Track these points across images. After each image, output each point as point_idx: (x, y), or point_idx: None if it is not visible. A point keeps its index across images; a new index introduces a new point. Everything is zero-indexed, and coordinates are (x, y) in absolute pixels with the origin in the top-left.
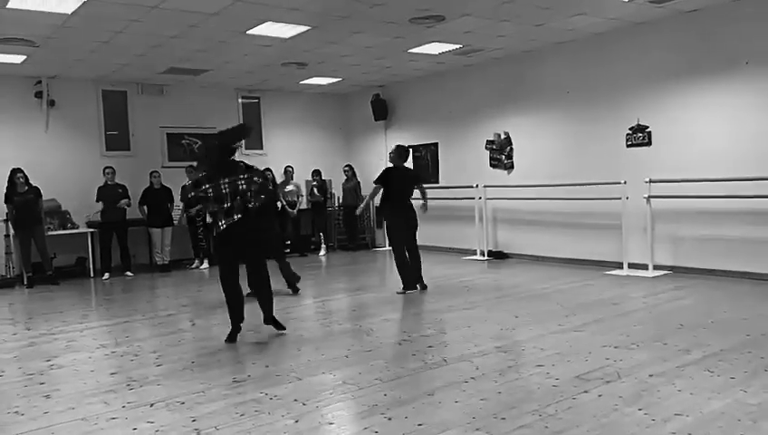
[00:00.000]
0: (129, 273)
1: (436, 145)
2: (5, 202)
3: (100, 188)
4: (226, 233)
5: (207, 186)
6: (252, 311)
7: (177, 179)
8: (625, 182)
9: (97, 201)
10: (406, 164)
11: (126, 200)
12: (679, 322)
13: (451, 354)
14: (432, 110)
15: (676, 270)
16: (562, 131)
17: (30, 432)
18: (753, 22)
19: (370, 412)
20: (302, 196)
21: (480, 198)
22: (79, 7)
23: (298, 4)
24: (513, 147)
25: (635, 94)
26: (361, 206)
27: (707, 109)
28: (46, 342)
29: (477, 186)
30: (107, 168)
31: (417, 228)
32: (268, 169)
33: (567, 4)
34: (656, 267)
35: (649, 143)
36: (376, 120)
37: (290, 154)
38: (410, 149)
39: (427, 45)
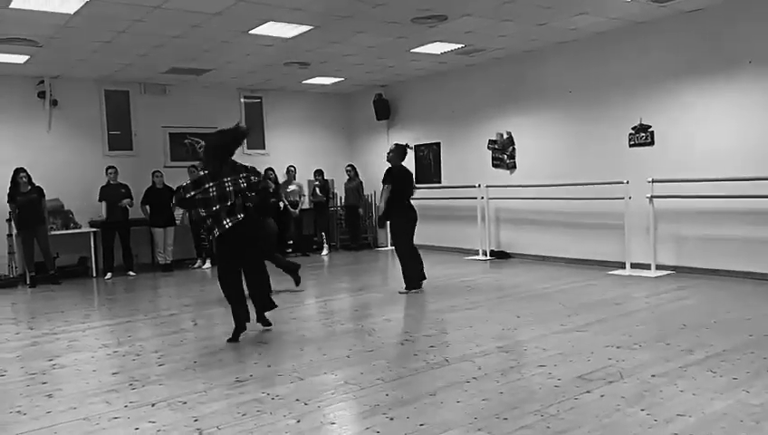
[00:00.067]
0: (131, 272)
1: (438, 145)
2: (9, 202)
3: (102, 187)
4: (231, 231)
5: (211, 184)
6: (249, 310)
7: (179, 179)
8: (628, 182)
9: (100, 201)
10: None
11: (127, 200)
12: (682, 322)
13: (453, 354)
14: (434, 109)
15: (678, 270)
16: (565, 131)
17: (32, 432)
18: (756, 21)
19: (372, 412)
20: (305, 196)
21: (482, 197)
22: (81, 7)
23: (300, 4)
24: (516, 147)
25: (637, 94)
26: (381, 206)
27: (710, 108)
28: (48, 341)
29: (479, 186)
30: (109, 167)
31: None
32: (270, 169)
33: (568, 3)
34: (658, 267)
35: (652, 143)
36: (378, 119)
37: (292, 154)
38: (413, 148)
39: (429, 45)
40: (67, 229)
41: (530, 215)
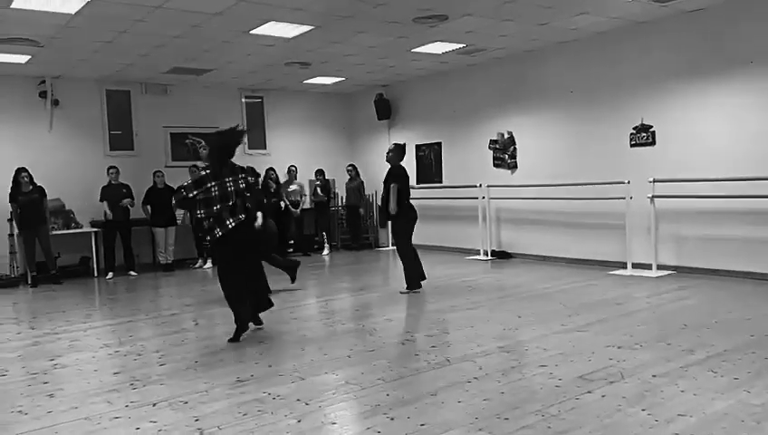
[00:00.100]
0: (132, 272)
1: (439, 145)
2: (10, 202)
3: (104, 187)
4: (234, 232)
5: (213, 183)
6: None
7: (180, 179)
8: (629, 182)
9: (101, 201)
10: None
11: (128, 200)
12: (683, 322)
13: (454, 354)
14: (435, 109)
15: (679, 270)
16: (566, 131)
17: (33, 431)
18: (757, 21)
19: (373, 412)
20: (306, 195)
21: (483, 197)
22: (83, 7)
23: (301, 4)
24: (517, 146)
25: (638, 94)
26: (393, 206)
27: (712, 108)
28: (50, 341)
29: (481, 185)
30: (111, 167)
31: None
32: (271, 169)
33: (569, 3)
34: (659, 267)
35: (653, 143)
36: (379, 119)
37: (293, 154)
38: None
39: (430, 45)
40: (68, 229)
41: (531, 215)
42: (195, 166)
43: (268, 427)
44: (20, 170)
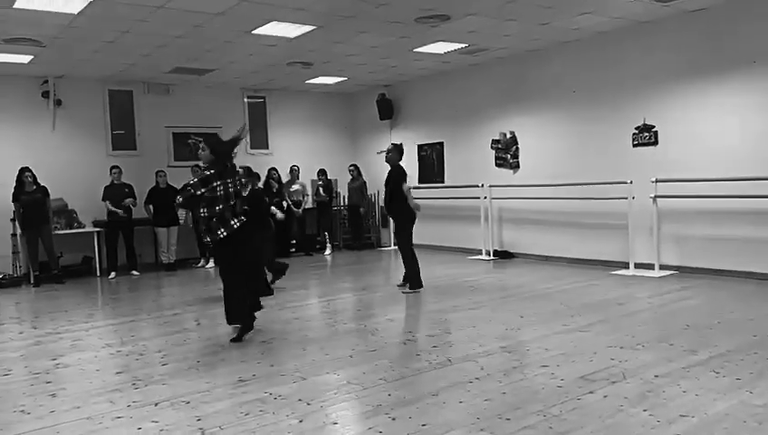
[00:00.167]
0: (134, 272)
1: (441, 144)
2: (13, 201)
3: (106, 187)
4: (238, 232)
5: (218, 183)
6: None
7: (182, 179)
8: (631, 182)
9: (103, 200)
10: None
11: (130, 199)
12: (685, 322)
13: (456, 354)
14: (437, 109)
15: (682, 270)
16: (568, 131)
17: (35, 431)
18: (760, 21)
19: (375, 412)
20: (308, 195)
21: (485, 197)
22: (85, 7)
23: (303, 4)
24: (519, 146)
25: (641, 94)
26: (416, 202)
27: (714, 108)
28: (52, 341)
29: (483, 185)
30: (113, 167)
31: None
32: (274, 169)
33: (571, 3)
34: (662, 267)
35: (656, 143)
36: (381, 119)
37: (295, 153)
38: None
39: (432, 45)
40: (71, 229)
41: (533, 215)
42: (197, 166)
43: (270, 427)
44: (23, 170)
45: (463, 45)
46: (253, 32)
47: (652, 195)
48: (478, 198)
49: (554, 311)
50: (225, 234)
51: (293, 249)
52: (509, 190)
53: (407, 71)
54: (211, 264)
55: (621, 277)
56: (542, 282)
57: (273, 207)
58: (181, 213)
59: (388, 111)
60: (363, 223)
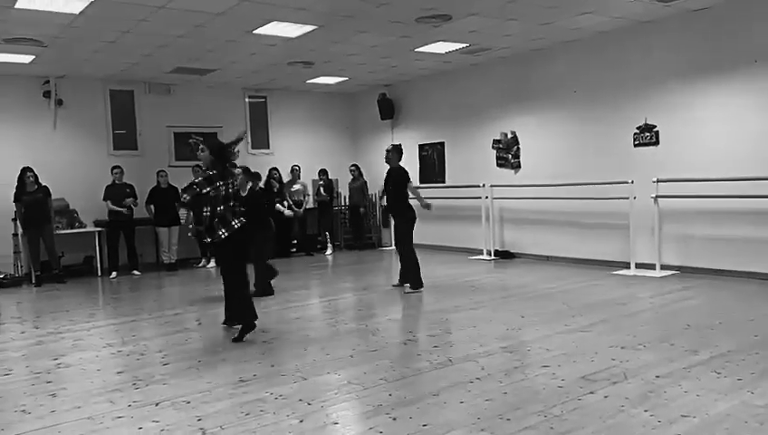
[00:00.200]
0: (136, 272)
1: (442, 144)
2: (15, 201)
3: (108, 187)
4: (239, 232)
5: (221, 183)
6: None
7: (183, 179)
8: (632, 182)
9: (104, 200)
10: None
11: (131, 199)
12: (686, 322)
13: (456, 354)
14: (438, 109)
15: (683, 270)
16: (569, 131)
17: (36, 431)
18: (761, 21)
19: (375, 412)
20: (309, 195)
21: (487, 197)
22: (86, 7)
23: (304, 4)
24: (520, 146)
25: (642, 93)
26: (428, 201)
27: (716, 108)
28: (53, 340)
29: (484, 185)
30: (115, 167)
31: None
32: (275, 169)
33: (573, 2)
34: (663, 267)
35: (657, 143)
36: (382, 119)
37: (296, 153)
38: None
39: (433, 44)
40: (72, 229)
41: (534, 215)
42: (198, 166)
43: (270, 427)
44: (25, 170)
45: (464, 45)
46: (254, 32)
47: (653, 195)
48: (479, 197)
49: (555, 311)
50: (226, 234)
51: (294, 249)
52: (510, 190)
53: (408, 70)
54: (212, 263)
55: (622, 277)
56: (543, 282)
57: (279, 205)
58: (182, 213)
59: (389, 110)
60: (364, 223)
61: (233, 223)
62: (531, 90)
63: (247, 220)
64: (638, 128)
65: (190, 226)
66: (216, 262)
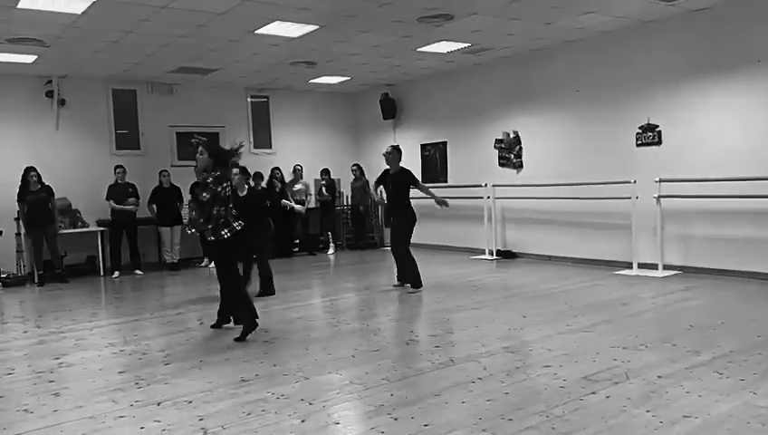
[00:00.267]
0: (138, 271)
1: (444, 144)
2: (18, 201)
3: (110, 186)
4: (239, 233)
5: (226, 185)
6: (256, 309)
7: (186, 178)
8: (635, 182)
9: (107, 199)
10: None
11: (133, 199)
12: (689, 322)
13: (458, 354)
14: (441, 108)
15: (686, 270)
16: (572, 130)
17: (38, 430)
18: (764, 20)
19: (377, 412)
20: (311, 195)
21: (489, 197)
22: (89, 7)
23: (306, 4)
24: (522, 146)
25: (644, 93)
26: (441, 197)
27: (718, 108)
28: (56, 340)
29: (486, 185)
30: (117, 167)
31: None
32: (277, 168)
33: (575, 2)
34: (665, 267)
35: (659, 142)
36: (385, 118)
37: (299, 153)
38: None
39: (435, 44)
40: (75, 228)
41: (536, 214)
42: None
43: (272, 427)
44: (29, 169)
45: (466, 45)
46: (256, 31)
47: (656, 195)
48: (481, 197)
49: (557, 311)
50: (228, 235)
51: (297, 249)
52: (512, 190)
53: (410, 70)
54: (213, 264)
55: (625, 277)
56: (545, 282)
57: (288, 202)
58: (185, 212)
59: (391, 110)
60: (366, 223)
61: (234, 224)
62: (533, 89)
63: (247, 220)
64: (640, 128)
65: (189, 222)
66: (213, 261)
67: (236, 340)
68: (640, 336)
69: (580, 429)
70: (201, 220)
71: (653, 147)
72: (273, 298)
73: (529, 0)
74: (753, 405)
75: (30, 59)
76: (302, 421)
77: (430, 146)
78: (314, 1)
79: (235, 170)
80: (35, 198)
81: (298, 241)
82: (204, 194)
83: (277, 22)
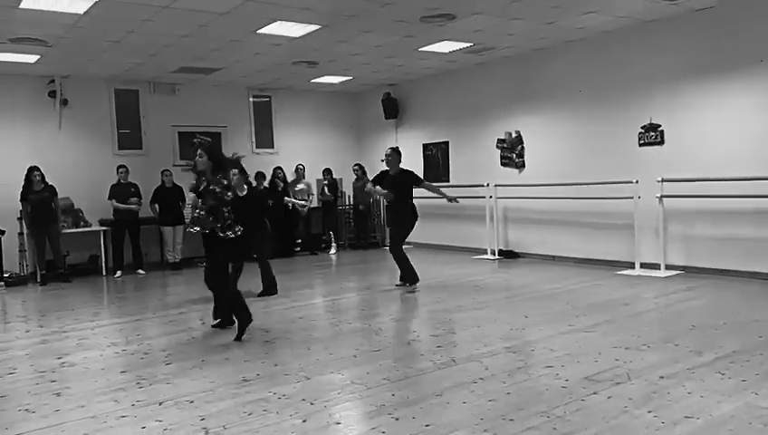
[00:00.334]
0: (140, 271)
1: (446, 144)
2: (21, 200)
3: (113, 186)
4: (243, 235)
5: (230, 193)
6: (257, 309)
7: (188, 178)
8: (637, 181)
9: (110, 199)
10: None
11: (135, 199)
12: (691, 323)
13: (460, 354)
14: (443, 108)
15: (688, 270)
16: (574, 130)
17: (40, 430)
18: (767, 20)
19: (378, 412)
20: (313, 194)
21: (491, 196)
22: (91, 7)
23: (308, 4)
24: (524, 146)
25: (647, 93)
26: (451, 195)
27: (721, 107)
28: (58, 339)
29: (488, 185)
30: (120, 166)
31: None
32: (279, 168)
33: (576, 2)
34: (668, 267)
35: (662, 142)
36: (387, 118)
37: (301, 153)
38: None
39: (437, 44)
40: (77, 228)
41: (538, 214)
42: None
43: (273, 426)
44: (32, 169)
45: (468, 44)
46: (258, 31)
47: (658, 195)
48: (483, 197)
49: (559, 311)
50: (233, 236)
51: (299, 248)
52: (514, 190)
53: (412, 70)
54: None
55: (627, 277)
56: (548, 282)
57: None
58: (187, 212)
59: (393, 110)
60: (368, 222)
61: (237, 228)
62: (535, 89)
63: (246, 220)
64: (642, 127)
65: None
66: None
67: (235, 339)
68: (642, 336)
69: (582, 429)
70: (211, 218)
71: (656, 146)
72: (275, 298)
73: (530, 0)
74: (756, 406)
75: (32, 59)
76: (304, 421)
77: (432, 146)
78: (316, 1)
79: (234, 171)
80: (39, 197)
81: (300, 241)
82: (228, 193)
83: (279, 22)
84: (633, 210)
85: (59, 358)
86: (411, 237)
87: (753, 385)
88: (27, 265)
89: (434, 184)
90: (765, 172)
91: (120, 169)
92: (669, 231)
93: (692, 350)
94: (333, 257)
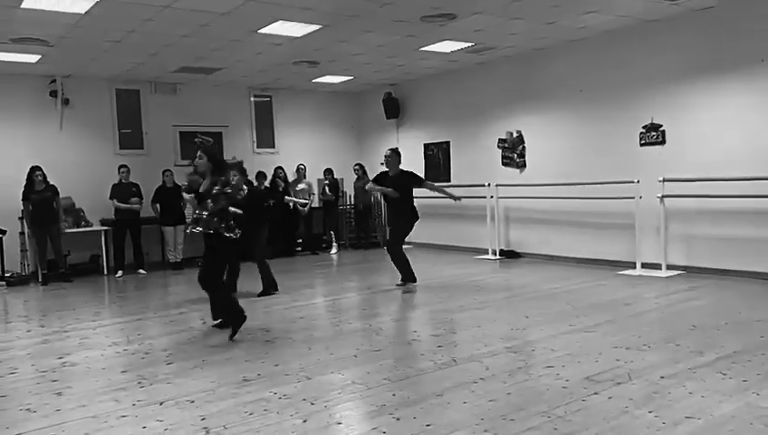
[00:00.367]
0: (141, 270)
1: (447, 144)
2: (23, 200)
3: (114, 185)
4: (243, 236)
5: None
6: (258, 309)
7: None
8: (638, 181)
9: (111, 199)
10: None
11: (136, 199)
12: (692, 323)
13: (460, 354)
14: (444, 108)
15: (689, 270)
16: (575, 130)
17: (41, 430)
18: (767, 19)
19: (379, 412)
20: (314, 194)
21: (492, 196)
22: (92, 7)
23: (309, 4)
24: (526, 145)
25: (648, 93)
26: (455, 194)
27: (722, 107)
28: (59, 339)
29: (489, 185)
30: (122, 166)
31: None
32: (280, 168)
33: (577, 1)
34: (669, 267)
35: (663, 142)
36: (388, 118)
37: (302, 153)
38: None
39: (438, 44)
40: (78, 228)
41: (539, 214)
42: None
43: (273, 426)
44: (34, 169)
45: (469, 44)
46: (259, 31)
47: (659, 194)
48: (485, 197)
49: (560, 311)
50: (235, 236)
51: (299, 248)
52: (515, 190)
53: (413, 70)
54: None
55: (628, 277)
56: (548, 282)
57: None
58: (188, 212)
59: (394, 110)
60: (369, 222)
61: (237, 230)
62: (536, 89)
63: (246, 220)
64: (644, 127)
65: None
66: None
67: (231, 338)
68: (643, 336)
69: (583, 429)
70: (216, 219)
71: (657, 146)
72: (275, 297)
73: (531, 0)
74: (757, 406)
75: (33, 59)
76: (304, 421)
77: (433, 145)
78: (317, 1)
79: (234, 171)
80: (40, 197)
81: (301, 240)
82: (228, 190)
83: (280, 21)
84: (634, 210)
85: (60, 358)
86: (412, 237)
87: (755, 385)
88: (28, 265)
89: (436, 184)
90: (766, 172)
91: (122, 169)
92: (670, 231)
93: (693, 350)
94: (334, 257)
